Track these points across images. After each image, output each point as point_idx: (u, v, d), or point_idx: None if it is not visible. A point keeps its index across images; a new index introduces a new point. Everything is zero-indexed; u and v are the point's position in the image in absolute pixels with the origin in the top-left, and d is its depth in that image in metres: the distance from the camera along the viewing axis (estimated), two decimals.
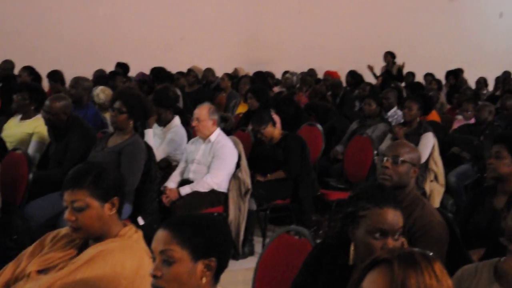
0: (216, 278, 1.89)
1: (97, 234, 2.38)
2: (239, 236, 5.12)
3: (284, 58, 12.29)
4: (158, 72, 8.64)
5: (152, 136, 5.52)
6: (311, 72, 11.57)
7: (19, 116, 5.52)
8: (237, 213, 5.08)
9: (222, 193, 5.06)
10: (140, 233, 2.44)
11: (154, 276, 1.84)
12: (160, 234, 1.86)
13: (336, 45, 13.15)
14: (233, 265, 4.94)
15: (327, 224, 5.84)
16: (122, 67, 9.29)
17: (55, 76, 7.49)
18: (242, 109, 7.67)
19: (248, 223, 5.19)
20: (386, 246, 2.15)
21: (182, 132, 5.73)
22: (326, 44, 13.11)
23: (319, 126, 6.43)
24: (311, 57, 12.59)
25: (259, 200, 5.31)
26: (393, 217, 2.22)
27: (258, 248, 5.27)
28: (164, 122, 5.73)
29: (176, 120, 5.77)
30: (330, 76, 10.48)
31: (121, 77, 8.15)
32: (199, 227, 1.86)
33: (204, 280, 1.85)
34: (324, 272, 2.32)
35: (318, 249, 2.42)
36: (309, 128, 6.48)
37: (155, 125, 5.73)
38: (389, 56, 11.87)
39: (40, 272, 2.37)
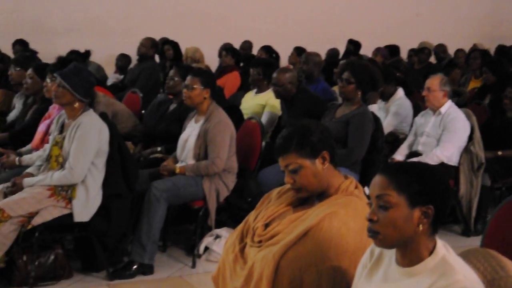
0: (434, 227, 1.84)
1: (318, 189, 2.44)
2: (471, 212, 4.89)
3: None
4: (392, 49, 8.59)
5: (377, 110, 5.49)
6: None
7: (255, 90, 5.87)
8: (469, 188, 4.86)
9: (453, 166, 4.87)
10: (360, 188, 2.45)
11: (370, 220, 1.85)
12: (378, 179, 1.87)
13: None
14: (463, 241, 4.79)
15: None
16: (354, 45, 9.33)
17: (299, 50, 7.89)
18: (473, 84, 7.30)
19: (481, 199, 4.93)
20: None
21: (407, 103, 5.62)
22: None
23: None
24: None
25: (493, 176, 5.01)
26: None
27: None
28: (387, 96, 5.66)
29: (400, 92, 5.67)
30: None
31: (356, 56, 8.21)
32: (417, 174, 1.83)
33: (421, 227, 1.81)
34: None
35: None
36: None
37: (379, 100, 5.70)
38: None
39: (266, 225, 2.50)
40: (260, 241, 2.43)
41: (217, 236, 4.49)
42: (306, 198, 2.48)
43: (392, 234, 1.82)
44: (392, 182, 1.83)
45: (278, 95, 5.23)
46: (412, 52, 9.36)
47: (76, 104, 4.03)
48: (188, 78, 4.49)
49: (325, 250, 2.24)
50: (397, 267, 1.88)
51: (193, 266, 4.38)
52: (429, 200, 1.81)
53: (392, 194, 1.82)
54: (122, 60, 8.80)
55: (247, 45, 9.34)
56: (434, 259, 1.81)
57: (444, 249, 1.84)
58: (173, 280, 4.18)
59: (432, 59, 9.82)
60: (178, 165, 4.49)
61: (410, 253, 1.84)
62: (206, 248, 4.48)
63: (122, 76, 8.45)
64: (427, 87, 5.00)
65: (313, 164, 2.40)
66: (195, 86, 4.42)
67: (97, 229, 4.04)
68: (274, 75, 5.21)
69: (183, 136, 4.58)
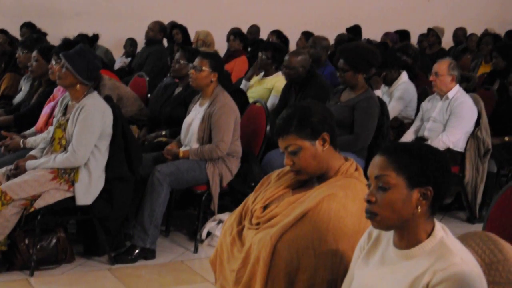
0: (432, 209, 1.80)
1: (318, 172, 2.41)
2: (476, 199, 4.85)
3: None
4: (402, 34, 8.54)
5: (381, 96, 5.45)
6: None
7: (262, 73, 5.83)
8: (475, 174, 4.81)
9: (459, 152, 4.83)
10: (360, 171, 2.41)
11: (368, 201, 1.82)
12: (377, 160, 1.83)
13: None
14: (468, 228, 4.74)
15: None
16: (353, 31, 9.11)
17: (307, 35, 7.87)
18: (483, 70, 7.22)
19: (487, 186, 4.88)
20: None
21: (411, 87, 5.56)
22: None
23: None
24: None
25: (500, 163, 4.96)
26: None
27: None
28: (390, 81, 5.60)
29: (403, 76, 5.61)
30: None
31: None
32: (416, 155, 1.80)
33: (419, 209, 1.78)
34: None
35: None
36: None
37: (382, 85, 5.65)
38: None
39: (265, 207, 2.47)
40: (258, 223, 2.40)
41: (220, 221, 4.46)
42: (305, 180, 2.45)
43: (390, 216, 1.79)
44: (391, 163, 1.79)
45: (288, 77, 5.19)
46: (422, 37, 9.27)
47: (79, 86, 4.00)
48: (197, 59, 4.44)
49: (323, 233, 2.21)
50: (394, 249, 1.85)
51: (195, 251, 4.36)
52: (428, 181, 1.77)
53: (391, 175, 1.79)
54: (130, 45, 8.77)
55: (254, 29, 9.28)
56: (432, 242, 1.78)
57: (443, 232, 1.80)
58: (175, 265, 4.16)
59: (449, 43, 9.73)
60: (182, 149, 4.45)
61: (408, 235, 1.81)
62: (209, 233, 4.46)
63: (129, 60, 8.42)
64: (434, 72, 4.94)
65: (313, 145, 2.36)
66: (203, 68, 4.37)
67: (99, 212, 4.02)
68: (286, 57, 5.18)
69: (187, 120, 4.54)
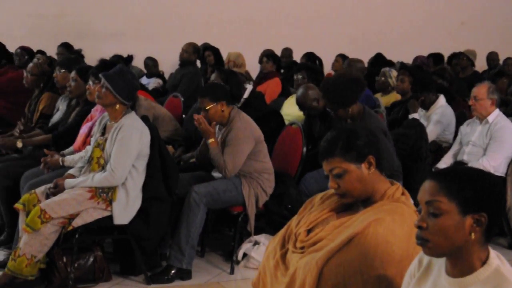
0: (487, 236, 1.75)
1: (363, 195, 2.37)
2: None
3: None
4: (436, 57, 8.47)
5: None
6: None
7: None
8: None
9: (499, 177, 4.73)
10: (407, 195, 2.38)
11: (419, 227, 1.78)
12: (428, 185, 1.79)
13: None
14: (510, 255, 4.63)
15: None
16: (376, 60, 8.80)
17: (343, 57, 7.86)
18: None
19: None
20: None
21: (449, 111, 5.50)
22: None
23: None
24: None
25: None
26: None
27: None
28: (427, 105, 5.54)
29: (441, 100, 5.54)
30: None
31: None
32: (469, 180, 1.75)
33: (473, 236, 1.73)
34: None
35: None
36: None
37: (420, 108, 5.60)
38: None
39: (309, 231, 2.44)
40: (302, 247, 2.37)
41: (256, 243, 4.44)
42: (350, 204, 2.42)
43: (442, 243, 1.75)
44: (443, 188, 1.75)
45: (308, 116, 5.10)
46: (456, 60, 9.19)
47: (118, 106, 4.04)
48: (199, 101, 4.39)
49: (370, 258, 2.17)
50: (447, 277, 1.80)
51: (231, 272, 4.33)
52: (482, 207, 1.73)
53: (443, 200, 1.75)
54: (153, 65, 8.89)
55: (288, 52, 9.30)
56: (487, 270, 1.73)
57: (498, 260, 1.75)
58: (211, 286, 4.15)
59: (483, 66, 9.64)
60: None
61: (461, 263, 1.77)
62: (245, 255, 4.44)
63: (161, 81, 8.52)
64: (473, 96, 4.88)
65: (358, 168, 2.34)
66: (207, 108, 4.31)
67: (136, 232, 4.03)
68: (298, 97, 5.01)
69: None
